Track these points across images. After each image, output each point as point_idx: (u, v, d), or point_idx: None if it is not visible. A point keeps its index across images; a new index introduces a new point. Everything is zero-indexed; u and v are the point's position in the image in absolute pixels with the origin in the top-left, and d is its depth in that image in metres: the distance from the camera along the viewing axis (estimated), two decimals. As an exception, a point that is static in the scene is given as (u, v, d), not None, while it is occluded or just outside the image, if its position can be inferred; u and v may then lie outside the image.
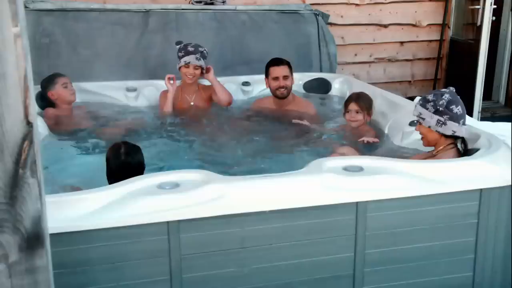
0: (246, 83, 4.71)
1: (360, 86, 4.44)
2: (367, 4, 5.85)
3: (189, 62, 4.18)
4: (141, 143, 3.72)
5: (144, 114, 4.33)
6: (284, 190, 2.37)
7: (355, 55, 5.96)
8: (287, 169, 3.25)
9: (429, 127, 2.85)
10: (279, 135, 3.86)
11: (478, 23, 5.58)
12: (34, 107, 1.69)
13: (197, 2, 5.27)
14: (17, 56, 1.57)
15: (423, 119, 2.87)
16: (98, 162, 3.15)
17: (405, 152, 3.32)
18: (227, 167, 3.37)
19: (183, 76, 4.26)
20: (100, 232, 2.18)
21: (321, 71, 5.36)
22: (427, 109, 2.84)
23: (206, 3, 5.27)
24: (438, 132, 2.83)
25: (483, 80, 5.65)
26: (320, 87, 4.75)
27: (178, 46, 4.29)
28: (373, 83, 5.93)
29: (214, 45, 5.14)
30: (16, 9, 1.55)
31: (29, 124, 1.67)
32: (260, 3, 5.51)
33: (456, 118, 2.77)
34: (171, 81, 4.24)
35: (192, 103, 4.37)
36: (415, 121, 3.41)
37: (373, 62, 6.04)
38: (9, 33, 1.52)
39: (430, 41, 6.13)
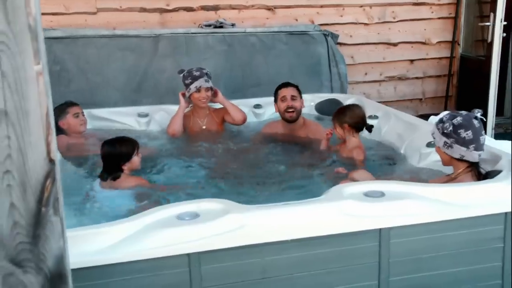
0: (257, 106, 4.69)
1: (371, 105, 4.40)
2: (376, 23, 5.84)
3: (200, 87, 4.17)
4: (155, 169, 3.76)
5: (157, 140, 4.30)
6: (304, 218, 2.32)
7: (365, 74, 5.94)
8: (303, 196, 3.25)
9: (439, 147, 2.81)
10: (293, 161, 3.80)
11: (489, 40, 5.55)
12: (55, 144, 1.66)
13: (206, 25, 5.27)
14: (40, 94, 1.55)
15: (434, 138, 2.85)
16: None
17: (423, 174, 3.27)
18: (241, 195, 3.34)
19: (196, 102, 4.24)
20: (119, 266, 2.14)
21: (332, 91, 5.34)
22: (438, 129, 2.81)
23: (216, 27, 5.28)
24: (446, 153, 2.78)
25: (496, 97, 5.60)
26: (332, 108, 4.67)
27: (181, 75, 4.27)
28: (384, 102, 5.92)
29: (224, 68, 5.15)
30: (38, 47, 1.53)
31: (51, 161, 1.64)
32: (269, 25, 5.51)
33: (464, 143, 2.70)
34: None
35: (204, 127, 4.35)
36: (432, 142, 3.39)
37: (383, 80, 6.02)
38: (32, 71, 1.50)
39: (440, 58, 6.11)
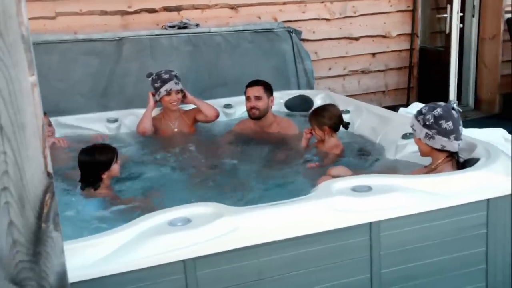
0: (228, 105, 4.67)
1: (342, 100, 4.45)
2: (338, 18, 5.90)
3: (170, 89, 4.12)
4: (130, 176, 3.69)
5: (129, 145, 4.22)
6: (296, 217, 2.33)
7: (329, 69, 6.00)
8: (286, 194, 3.25)
9: (419, 139, 2.87)
10: (269, 159, 3.81)
11: (447, 31, 5.70)
12: (50, 157, 1.61)
13: (170, 27, 5.21)
14: (35, 105, 1.51)
15: (415, 130, 2.89)
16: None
17: (401, 166, 3.33)
18: (223, 198, 3.32)
19: (167, 105, 4.19)
20: (114, 278, 2.09)
21: (299, 87, 5.37)
22: (418, 121, 2.86)
23: (180, 27, 5.22)
24: (428, 145, 2.84)
25: (456, 86, 5.76)
26: (302, 104, 4.74)
27: (150, 78, 4.21)
28: (348, 96, 6.00)
29: (191, 69, 5.10)
30: (31, 58, 1.49)
31: (49, 175, 1.59)
32: (233, 24, 5.49)
33: (445, 133, 2.77)
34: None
35: (175, 130, 4.30)
36: (408, 134, 3.45)
37: (347, 75, 6.09)
38: (26, 82, 1.46)
39: (401, 50, 6.23)
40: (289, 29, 5.51)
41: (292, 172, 3.60)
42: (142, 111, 4.30)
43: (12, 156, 1.45)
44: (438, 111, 2.79)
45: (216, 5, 5.47)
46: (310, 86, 5.42)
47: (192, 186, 3.52)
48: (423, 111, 2.85)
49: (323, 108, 3.68)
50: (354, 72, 6.12)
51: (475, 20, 6.54)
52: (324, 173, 3.36)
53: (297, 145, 3.91)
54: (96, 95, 4.84)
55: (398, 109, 5.03)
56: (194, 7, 5.41)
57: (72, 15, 5.03)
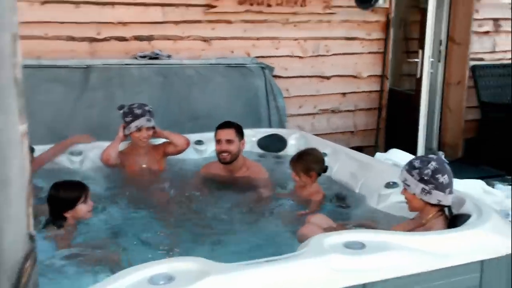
0: (199, 142, 4.48)
1: (318, 143, 4.35)
2: (310, 56, 5.85)
3: (141, 126, 3.91)
4: (96, 216, 3.44)
5: (93, 181, 3.96)
6: (291, 276, 2.16)
7: (300, 107, 5.92)
8: (264, 245, 3.09)
9: (414, 194, 2.76)
10: (240, 205, 3.62)
11: (418, 75, 5.73)
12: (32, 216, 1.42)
13: (141, 57, 5.01)
14: (23, 158, 1.31)
15: (408, 185, 2.78)
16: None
17: (383, 217, 3.23)
18: (194, 242, 3.12)
19: (137, 141, 3.97)
20: None
21: (270, 124, 5.25)
22: (412, 175, 2.76)
23: (151, 58, 5.03)
24: (423, 200, 2.75)
25: (425, 130, 5.78)
26: (276, 143, 4.61)
27: (121, 111, 4.00)
28: (317, 134, 5.92)
29: (160, 101, 4.91)
30: (23, 103, 1.30)
31: (31, 238, 1.39)
32: (205, 57, 5.35)
33: (442, 188, 2.70)
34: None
35: (144, 165, 4.08)
36: (391, 183, 3.36)
37: (317, 113, 6.03)
38: (15, 132, 1.27)
39: (370, 91, 6.23)
40: (262, 65, 5.41)
41: (269, 218, 3.44)
42: (108, 144, 4.05)
43: (-8, 215, 1.24)
44: (434, 165, 2.71)
45: (188, 36, 5.32)
46: (281, 124, 5.31)
47: (161, 231, 3.30)
48: (416, 165, 2.75)
49: (308, 153, 3.55)
50: (324, 111, 6.06)
51: (441, 65, 6.64)
52: (300, 220, 3.23)
53: (267, 190, 3.76)
54: (58, 126, 4.56)
55: (374, 154, 5.01)
56: (166, 38, 5.25)
57: (37, 39, 4.76)
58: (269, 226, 3.32)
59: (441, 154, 2.85)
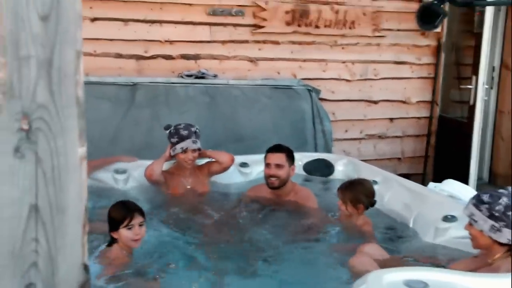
0: (244, 164, 4.36)
1: (367, 169, 4.19)
2: (358, 80, 5.71)
3: (186, 148, 3.83)
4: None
5: (137, 201, 3.87)
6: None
7: (346, 131, 5.77)
8: (310, 272, 2.93)
9: (481, 231, 2.57)
10: (286, 231, 3.48)
11: (471, 102, 5.51)
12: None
13: (187, 75, 4.96)
14: (81, 184, 1.21)
15: (476, 221, 2.59)
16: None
17: (441, 252, 3.03)
18: (239, 270, 2.99)
19: (182, 163, 3.89)
20: None
21: (316, 148, 5.11)
22: (480, 211, 2.57)
23: (197, 77, 4.98)
24: (491, 238, 2.55)
25: (478, 160, 5.54)
26: (323, 169, 4.46)
27: (168, 131, 3.92)
28: (363, 160, 5.75)
29: (206, 121, 4.83)
30: (84, 125, 1.21)
31: (86, 269, 1.28)
32: (251, 77, 5.27)
33: None
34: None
35: (189, 187, 3.98)
36: (449, 216, 3.17)
37: (363, 138, 5.86)
38: (74, 156, 1.17)
39: (419, 118, 6.03)
40: (309, 87, 5.29)
41: (317, 246, 3.28)
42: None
43: (45, 245, 1.16)
44: (505, 200, 2.51)
45: (235, 56, 5.25)
46: (328, 149, 5.16)
47: (207, 257, 3.17)
48: (485, 199, 2.56)
49: (360, 183, 3.38)
50: (371, 136, 5.89)
51: (493, 92, 6.39)
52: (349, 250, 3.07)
53: (316, 219, 3.61)
54: (104, 142, 4.52)
55: (422, 182, 4.79)
56: (213, 57, 5.19)
57: (86, 56, 4.74)
58: (318, 255, 3.16)
59: (511, 189, 2.65)
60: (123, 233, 2.80)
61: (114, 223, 2.84)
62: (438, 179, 5.91)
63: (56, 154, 1.12)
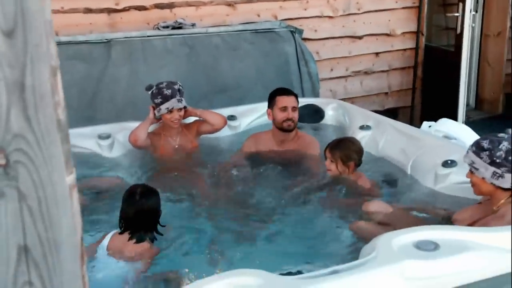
0: (231, 117, 4.19)
1: (360, 114, 4.06)
2: (341, 15, 5.49)
3: (172, 108, 3.65)
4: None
5: (125, 167, 3.75)
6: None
7: (331, 70, 5.60)
8: (310, 230, 2.87)
9: (483, 178, 2.50)
10: (288, 184, 3.39)
11: (458, 31, 5.36)
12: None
13: (164, 27, 4.70)
14: (73, 215, 1.09)
15: (477, 169, 2.51)
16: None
17: (443, 200, 2.97)
18: (238, 231, 2.91)
19: (168, 123, 3.72)
20: None
21: (303, 92, 4.95)
22: (481, 158, 2.49)
23: (174, 28, 4.72)
24: (494, 184, 2.49)
25: (466, 88, 5.45)
26: (312, 115, 4.33)
27: (150, 92, 3.73)
28: (351, 98, 5.64)
29: (187, 74, 4.63)
30: (69, 150, 1.07)
31: (88, 302, 1.18)
32: (230, 23, 5.02)
33: None
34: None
35: (177, 146, 3.84)
36: (449, 161, 3.10)
37: (349, 76, 5.70)
38: (62, 185, 1.04)
39: (405, 49, 5.86)
40: (291, 29, 5.06)
41: (317, 204, 3.19)
42: (137, 124, 3.80)
43: (41, 287, 1.04)
44: (506, 145, 2.43)
45: (211, 1, 4.98)
46: (315, 91, 5.02)
47: (203, 218, 3.09)
48: (485, 145, 2.47)
49: (350, 141, 3.26)
50: (357, 73, 5.73)
51: (478, 16, 6.22)
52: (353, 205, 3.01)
53: (317, 170, 3.51)
54: (82, 106, 4.32)
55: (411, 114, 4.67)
56: (188, 4, 4.91)
57: (53, 13, 4.44)
58: (320, 214, 3.08)
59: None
60: None
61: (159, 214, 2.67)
62: (427, 111, 5.87)
63: (41, 186, 1.00)
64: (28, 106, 0.95)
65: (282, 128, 3.70)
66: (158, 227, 2.66)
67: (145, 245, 2.57)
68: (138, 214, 2.55)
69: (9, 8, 0.93)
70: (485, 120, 6.23)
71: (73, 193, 1.05)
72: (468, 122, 5.88)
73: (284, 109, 3.67)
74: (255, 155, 3.79)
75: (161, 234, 2.65)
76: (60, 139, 1.00)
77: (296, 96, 3.76)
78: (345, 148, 3.14)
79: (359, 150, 3.19)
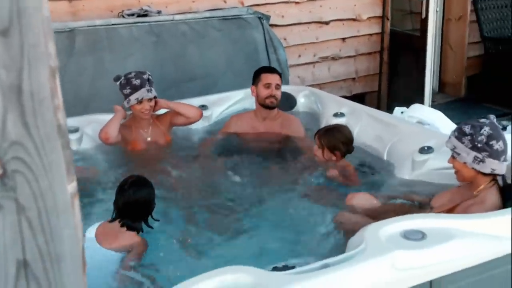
0: (203, 107, 4.10)
1: (333, 101, 4.05)
2: (307, 1, 5.44)
3: (142, 98, 3.54)
4: (100, 200, 3.15)
5: (95, 160, 3.63)
6: (356, 283, 1.93)
7: (299, 56, 5.56)
8: (295, 222, 2.83)
9: (465, 163, 2.52)
10: (270, 171, 3.37)
11: (423, 15, 5.40)
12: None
13: (129, 15, 4.55)
14: (75, 226, 1.04)
15: (458, 154, 2.53)
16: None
17: (421, 187, 2.98)
18: (217, 228, 2.85)
19: (138, 114, 3.61)
20: None
21: (272, 80, 4.89)
22: (463, 143, 2.51)
23: (140, 15, 4.57)
24: (475, 169, 2.51)
25: (432, 73, 5.51)
26: (284, 102, 4.26)
27: (118, 83, 3.61)
28: (319, 84, 5.63)
29: (154, 63, 4.50)
30: (70, 157, 1.01)
31: (91, 316, 1.12)
32: (196, 9, 4.90)
33: (497, 155, 2.46)
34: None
35: (149, 139, 3.73)
36: (426, 147, 3.12)
37: (317, 62, 5.68)
38: (64, 194, 0.99)
39: (371, 34, 5.87)
40: (259, 15, 4.99)
41: (300, 192, 3.15)
42: (105, 117, 3.67)
43: (42, 303, 0.98)
44: (487, 130, 2.45)
45: (177, -13, 4.86)
46: (285, 78, 4.95)
47: (180, 215, 3.02)
48: (467, 130, 2.49)
49: (339, 130, 3.24)
50: (324, 59, 5.71)
51: (440, 1, 6.28)
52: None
53: (302, 155, 3.51)
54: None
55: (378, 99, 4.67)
56: (153, -10, 4.78)
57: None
58: (304, 204, 3.03)
59: (493, 118, 2.58)
60: None
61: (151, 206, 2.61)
62: (393, 95, 5.92)
63: (41, 197, 0.94)
64: (26, 111, 0.89)
65: (264, 105, 3.80)
66: (152, 221, 2.62)
67: (136, 238, 2.53)
68: (130, 202, 2.53)
69: (3, 4, 0.85)
70: (449, 104, 6.34)
71: (75, 202, 0.98)
72: (433, 105, 5.97)
73: (268, 85, 3.76)
74: (237, 135, 3.85)
75: (151, 227, 2.59)
76: (61, 145, 0.94)
77: (280, 75, 3.87)
78: (333, 137, 3.16)
79: (348, 141, 3.20)
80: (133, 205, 2.53)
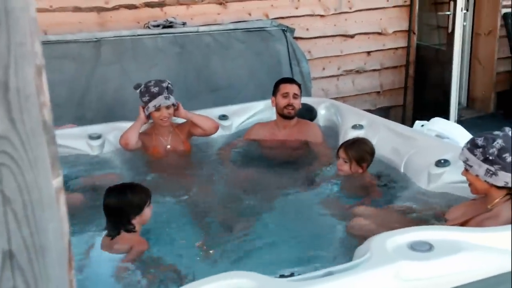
0: (223, 117, 4.16)
1: (353, 113, 4.04)
2: (332, 14, 5.46)
3: (159, 105, 3.61)
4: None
5: (116, 167, 3.70)
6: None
7: (323, 69, 5.58)
8: (301, 238, 2.82)
9: (477, 176, 2.49)
10: (283, 185, 3.37)
11: (450, 30, 5.35)
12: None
13: (154, 26, 4.65)
14: (61, 220, 1.06)
15: (471, 166, 2.50)
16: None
17: (437, 199, 2.95)
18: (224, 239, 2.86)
19: (157, 121, 3.68)
20: None
21: (295, 92, 4.91)
22: (475, 155, 2.47)
23: (165, 27, 4.67)
24: (488, 182, 2.47)
25: (458, 87, 5.45)
26: (304, 114, 4.28)
27: (138, 91, 3.69)
28: (343, 97, 5.62)
29: (177, 73, 4.59)
30: (55, 152, 1.03)
31: (76, 307, 1.15)
32: (221, 22, 4.98)
33: (510, 168, 2.42)
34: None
35: (168, 146, 3.79)
36: (442, 161, 3.08)
37: (341, 75, 5.68)
38: (49, 188, 1.01)
39: (397, 48, 5.85)
40: (283, 27, 5.03)
41: (315, 201, 3.16)
42: (127, 124, 3.74)
43: (27, 294, 1.01)
44: (500, 143, 2.41)
45: (202, 0, 4.94)
46: (307, 91, 4.98)
47: (195, 223, 3.05)
48: (479, 143, 2.46)
49: (364, 142, 3.27)
50: (349, 72, 5.71)
51: (469, 15, 6.22)
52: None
53: (318, 159, 3.54)
54: (71, 105, 4.27)
55: (403, 113, 4.65)
56: (179, 3, 4.87)
57: (42, 12, 4.41)
58: (317, 215, 3.04)
59: (508, 130, 2.54)
60: (147, 212, 2.70)
61: (138, 206, 2.67)
62: (419, 110, 5.86)
63: (26, 190, 0.96)
64: (12, 108, 0.92)
65: (283, 114, 3.88)
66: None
67: (135, 237, 2.60)
68: (106, 210, 2.66)
69: (-10, 4, 0.89)
70: (476, 119, 6.25)
71: (60, 197, 1.01)
72: (460, 120, 5.89)
73: (286, 95, 3.84)
74: (257, 141, 3.95)
75: (134, 231, 2.64)
76: (46, 141, 0.97)
77: (299, 85, 3.93)
78: (360, 149, 3.19)
79: (372, 152, 3.24)
80: (106, 212, 2.66)
